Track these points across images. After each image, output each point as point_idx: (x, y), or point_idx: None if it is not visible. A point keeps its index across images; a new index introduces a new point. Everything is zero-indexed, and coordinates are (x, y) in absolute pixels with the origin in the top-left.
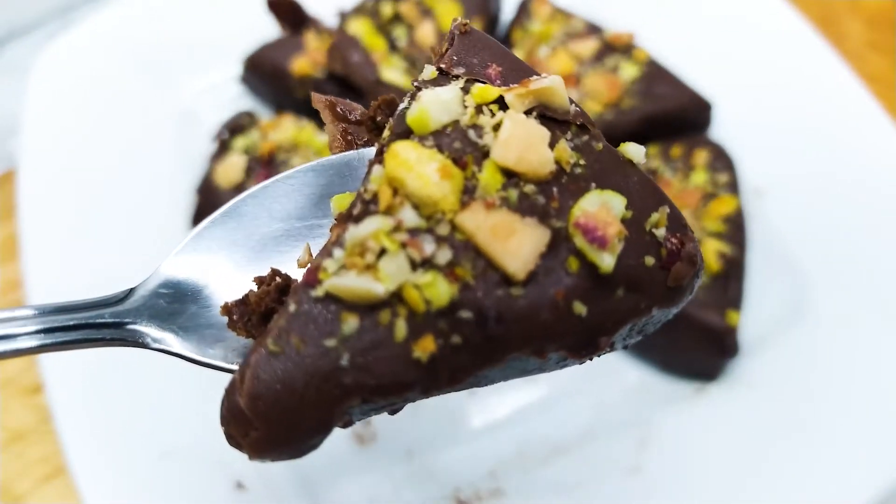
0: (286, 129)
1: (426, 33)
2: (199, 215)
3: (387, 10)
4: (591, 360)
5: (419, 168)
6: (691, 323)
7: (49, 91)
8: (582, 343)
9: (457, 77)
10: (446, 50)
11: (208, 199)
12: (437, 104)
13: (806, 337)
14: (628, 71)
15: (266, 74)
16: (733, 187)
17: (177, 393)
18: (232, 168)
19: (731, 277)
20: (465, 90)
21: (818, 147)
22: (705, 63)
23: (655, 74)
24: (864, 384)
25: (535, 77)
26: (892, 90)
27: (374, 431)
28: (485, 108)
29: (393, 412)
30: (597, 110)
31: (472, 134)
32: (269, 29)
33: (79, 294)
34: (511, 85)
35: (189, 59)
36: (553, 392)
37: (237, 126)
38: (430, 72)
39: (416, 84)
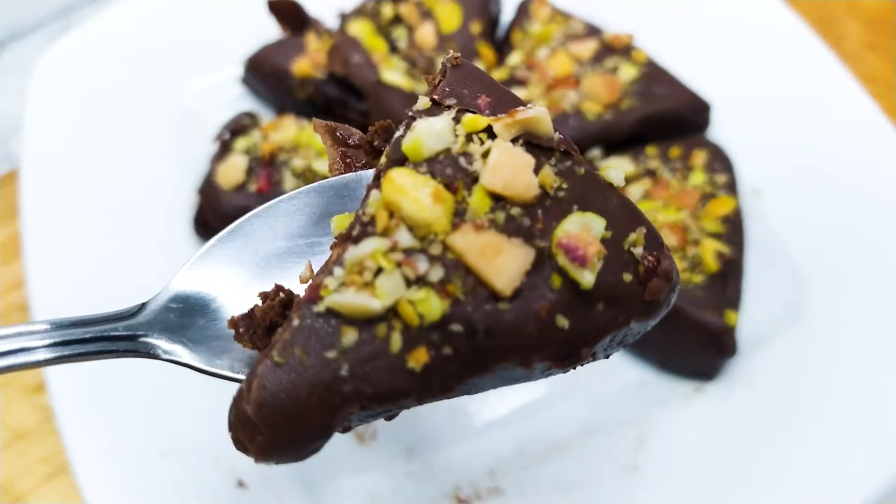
0: (287, 129)
1: (426, 35)
2: (201, 216)
3: (387, 11)
4: (573, 369)
5: (414, 193)
6: (690, 322)
7: (51, 92)
8: (565, 354)
9: (449, 107)
10: (439, 82)
11: (210, 200)
12: (430, 133)
13: (804, 337)
14: (627, 72)
15: (267, 75)
16: (731, 188)
17: (178, 393)
18: (233, 169)
19: (729, 277)
20: (457, 120)
21: (816, 148)
22: (704, 64)
23: (654, 75)
24: (862, 383)
25: (521, 108)
26: (890, 91)
27: (374, 430)
28: (474, 137)
29: (389, 418)
30: (596, 111)
31: (462, 161)
32: (269, 30)
33: (80, 293)
34: (499, 115)
35: (190, 59)
36: (552, 391)
37: (238, 127)
38: (423, 102)
39: (410, 114)
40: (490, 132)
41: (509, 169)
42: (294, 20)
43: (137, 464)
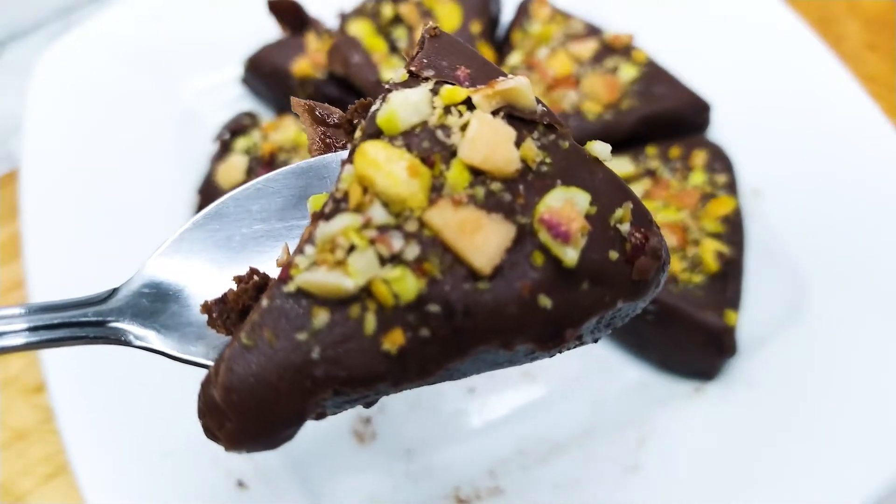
0: (287, 129)
1: None
2: None
3: (387, 11)
4: (559, 352)
5: (388, 167)
6: (690, 322)
7: (51, 92)
8: (548, 335)
9: (426, 79)
10: (417, 53)
11: (209, 200)
12: (406, 105)
13: (804, 336)
14: (627, 72)
15: (267, 75)
16: (732, 188)
17: (178, 393)
18: (233, 169)
19: (729, 277)
20: (434, 91)
21: (816, 148)
22: (704, 64)
23: (654, 75)
24: (862, 383)
25: (501, 78)
26: (890, 91)
27: (374, 431)
28: (453, 109)
29: (367, 405)
30: (596, 111)
31: (440, 134)
32: (269, 30)
33: (80, 293)
34: (479, 86)
35: (190, 59)
36: (552, 391)
37: (238, 127)
38: (400, 74)
39: (386, 86)
40: (469, 104)
41: (489, 142)
42: (294, 20)
43: (137, 464)
